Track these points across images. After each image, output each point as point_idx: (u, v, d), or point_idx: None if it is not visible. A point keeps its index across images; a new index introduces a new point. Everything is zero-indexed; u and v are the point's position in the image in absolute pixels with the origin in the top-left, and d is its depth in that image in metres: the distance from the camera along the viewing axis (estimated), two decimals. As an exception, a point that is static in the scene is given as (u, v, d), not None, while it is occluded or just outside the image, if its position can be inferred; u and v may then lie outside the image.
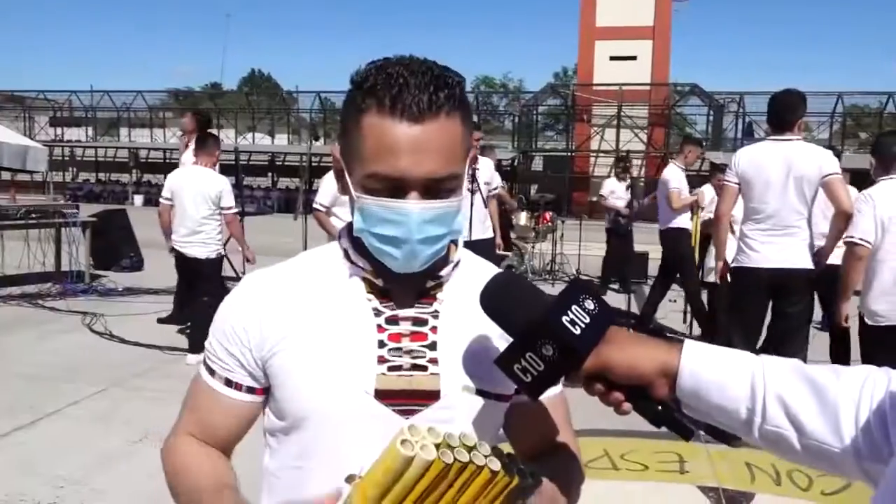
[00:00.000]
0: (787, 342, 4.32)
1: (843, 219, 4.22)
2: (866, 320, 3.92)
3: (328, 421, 1.00)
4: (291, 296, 1.06)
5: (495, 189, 6.50)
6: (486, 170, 6.21)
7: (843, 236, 4.00)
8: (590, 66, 30.36)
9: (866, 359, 3.94)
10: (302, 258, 1.14)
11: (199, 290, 5.87)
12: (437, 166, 0.95)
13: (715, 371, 0.85)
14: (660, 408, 0.89)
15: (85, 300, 8.06)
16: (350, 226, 1.10)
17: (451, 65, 1.02)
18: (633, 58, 29.43)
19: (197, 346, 5.53)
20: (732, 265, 4.45)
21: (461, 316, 1.07)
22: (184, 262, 5.95)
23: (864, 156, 6.94)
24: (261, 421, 1.13)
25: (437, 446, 0.81)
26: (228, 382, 1.07)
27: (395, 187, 0.96)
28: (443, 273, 1.08)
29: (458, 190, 1.00)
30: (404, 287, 1.06)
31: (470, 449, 0.83)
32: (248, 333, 1.05)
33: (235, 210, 6.16)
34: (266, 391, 1.08)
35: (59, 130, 35.94)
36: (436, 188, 0.97)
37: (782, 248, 4.20)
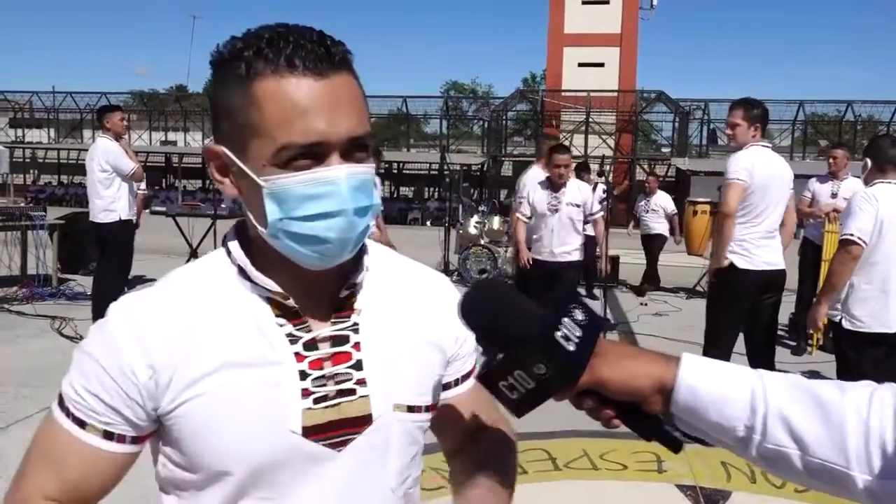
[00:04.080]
0: (761, 337, 4.53)
1: (792, 231, 4.65)
2: (844, 323, 3.77)
3: (255, 469, 0.88)
4: (185, 330, 0.89)
5: (593, 214, 6.63)
6: (579, 192, 6.25)
7: (840, 233, 3.82)
8: (558, 72, 30.67)
9: (841, 362, 3.90)
10: (181, 279, 0.95)
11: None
12: (354, 123, 0.85)
13: (713, 387, 0.82)
14: (651, 422, 0.85)
15: (53, 304, 7.88)
16: (239, 232, 0.96)
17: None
18: (601, 65, 29.80)
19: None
20: (727, 267, 4.41)
21: (383, 326, 0.97)
22: None
23: (824, 163, 7.17)
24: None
25: None
26: (108, 435, 0.89)
27: (313, 155, 0.83)
28: (356, 280, 0.96)
29: (370, 156, 0.89)
30: (317, 303, 0.93)
31: None
32: (139, 385, 0.87)
33: None
34: (151, 435, 0.93)
35: (19, 132, 35.20)
36: (353, 151, 0.86)
37: (772, 251, 4.37)
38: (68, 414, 0.90)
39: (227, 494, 0.90)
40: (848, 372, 3.79)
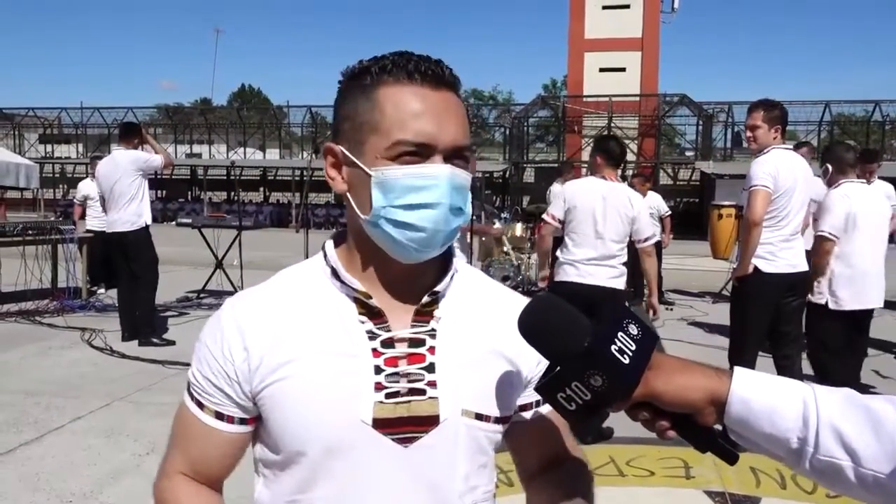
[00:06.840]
0: (786, 338, 4.48)
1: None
2: (830, 304, 4.61)
3: (326, 454, 0.96)
4: (278, 322, 1.00)
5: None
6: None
7: (815, 230, 4.73)
8: (579, 77, 30.58)
9: (811, 333, 4.81)
10: (283, 278, 1.07)
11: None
12: (459, 134, 0.96)
13: (765, 400, 0.83)
14: (706, 434, 0.87)
15: (83, 316, 8.04)
16: (338, 239, 1.07)
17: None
18: (623, 69, 29.66)
19: None
20: (752, 271, 4.35)
21: (459, 335, 1.02)
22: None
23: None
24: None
25: None
26: (219, 416, 1.02)
27: (421, 153, 0.94)
28: (439, 288, 1.02)
29: (468, 168, 1.00)
30: (400, 307, 1.01)
31: None
32: (235, 366, 0.99)
33: None
34: (257, 419, 1.03)
35: (48, 147, 35.86)
36: (455, 158, 0.96)
37: (795, 253, 4.32)
38: (192, 398, 1.04)
39: (302, 477, 0.98)
40: (821, 343, 4.73)
